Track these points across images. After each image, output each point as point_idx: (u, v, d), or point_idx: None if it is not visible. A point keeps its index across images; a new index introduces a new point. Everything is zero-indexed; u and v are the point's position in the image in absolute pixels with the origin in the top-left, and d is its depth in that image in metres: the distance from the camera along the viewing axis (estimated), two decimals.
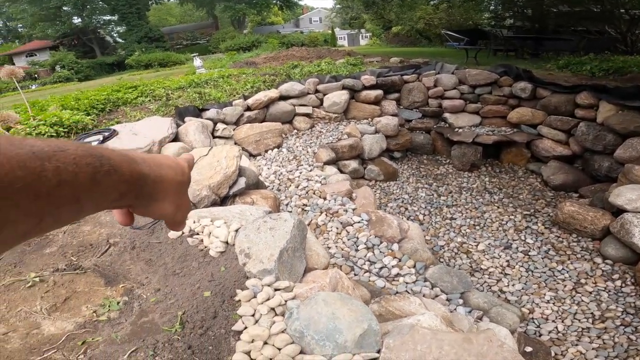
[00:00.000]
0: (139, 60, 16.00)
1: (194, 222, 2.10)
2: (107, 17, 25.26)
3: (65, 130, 3.55)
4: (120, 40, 26.03)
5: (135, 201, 0.38)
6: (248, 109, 4.84)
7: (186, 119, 4.03)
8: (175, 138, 3.53)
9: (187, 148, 3.24)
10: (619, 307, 2.82)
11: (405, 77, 5.77)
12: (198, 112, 4.40)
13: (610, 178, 4.16)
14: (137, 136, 3.31)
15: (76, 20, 23.83)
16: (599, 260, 3.32)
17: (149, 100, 4.77)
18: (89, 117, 3.98)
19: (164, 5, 32.93)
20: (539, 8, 9.59)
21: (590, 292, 3.01)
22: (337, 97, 5.28)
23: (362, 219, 2.92)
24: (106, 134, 3.41)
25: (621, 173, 3.75)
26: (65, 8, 22.56)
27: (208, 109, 4.44)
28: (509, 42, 8.77)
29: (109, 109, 4.54)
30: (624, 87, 4.24)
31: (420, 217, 4.26)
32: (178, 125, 3.72)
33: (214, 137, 4.24)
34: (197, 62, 7.90)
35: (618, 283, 3.05)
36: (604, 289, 3.03)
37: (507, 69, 5.54)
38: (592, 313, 2.80)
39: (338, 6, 22.76)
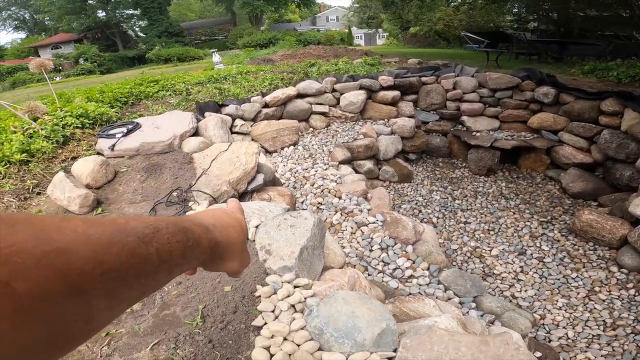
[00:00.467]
0: (159, 54, 16.30)
1: None
2: (130, 11, 25.79)
3: (91, 122, 3.66)
4: (141, 34, 26.53)
5: (209, 265, 0.43)
6: (266, 105, 4.89)
7: (206, 114, 4.11)
8: (196, 132, 3.60)
9: (207, 143, 3.30)
10: (631, 315, 2.81)
11: (423, 78, 5.73)
12: (218, 107, 4.47)
13: (631, 187, 4.06)
14: (159, 130, 3.39)
15: (100, 13, 24.42)
16: (614, 269, 3.29)
17: (170, 95, 4.87)
18: (113, 109, 4.09)
19: (185, 0, 33.38)
20: (565, 12, 9.37)
21: (604, 300, 2.99)
22: (354, 96, 5.28)
23: (377, 220, 2.94)
24: (130, 126, 3.50)
25: None
26: (90, 1, 23.15)
27: (227, 105, 4.50)
28: (532, 45, 8.58)
29: (132, 102, 4.66)
30: None
31: (434, 220, 4.24)
32: (198, 120, 3.80)
33: (232, 132, 4.31)
34: (216, 57, 8.01)
35: (632, 292, 3.03)
36: (617, 297, 3.01)
37: (530, 72, 5.43)
38: (603, 320, 2.79)
39: (356, 5, 22.65)
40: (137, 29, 28.20)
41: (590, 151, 4.68)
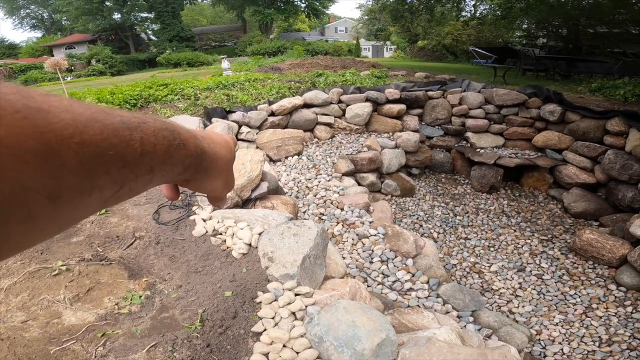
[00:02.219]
0: (169, 58, 16.56)
1: (218, 222, 2.18)
2: (144, 15, 26.27)
3: None
4: (153, 37, 26.97)
5: (193, 175, 0.41)
6: (272, 114, 4.95)
7: (213, 119, 4.17)
8: None
9: None
10: (627, 331, 2.82)
11: (429, 92, 5.78)
12: (225, 113, 4.54)
13: (633, 209, 4.07)
14: None
15: (116, 15, 24.89)
16: (612, 287, 3.32)
17: (178, 99, 4.95)
18: None
19: (197, 5, 33.98)
20: (574, 28, 9.43)
21: (600, 317, 3.01)
22: (359, 108, 5.34)
23: (379, 232, 2.96)
24: None
25: None
26: (107, 3, 23.62)
27: (234, 112, 4.57)
28: (540, 62, 8.63)
29: (141, 104, 4.74)
30: None
31: (435, 234, 4.25)
32: (205, 125, 3.86)
33: (238, 139, 4.37)
34: (225, 64, 8.11)
35: (629, 309, 3.06)
36: (614, 314, 3.03)
37: (537, 90, 5.46)
38: (599, 337, 2.80)
39: (365, 17, 22.97)
40: (149, 32, 28.70)
41: (593, 171, 4.67)
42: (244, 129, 4.48)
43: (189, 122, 3.72)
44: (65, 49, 25.15)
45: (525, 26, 12.09)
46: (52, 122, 0.22)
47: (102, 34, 25.14)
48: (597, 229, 3.98)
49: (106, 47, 21.56)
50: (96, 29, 24.65)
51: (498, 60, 8.33)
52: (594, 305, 3.14)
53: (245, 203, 2.77)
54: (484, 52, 8.95)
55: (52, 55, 20.24)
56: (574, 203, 4.51)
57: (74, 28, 26.83)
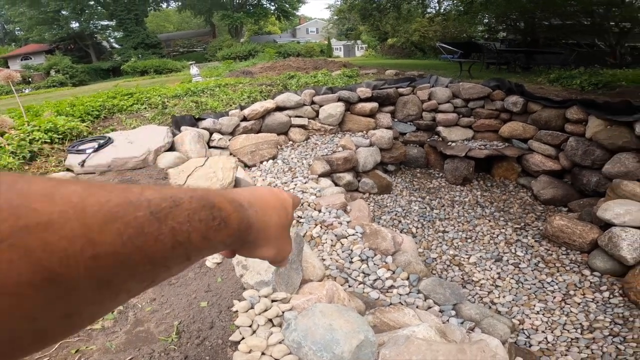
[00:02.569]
0: (134, 66, 16.03)
1: None
2: (105, 22, 25.33)
3: (60, 136, 3.54)
4: (117, 45, 26.07)
5: (238, 249, 0.37)
6: (244, 119, 4.87)
7: (182, 128, 4.05)
8: (171, 147, 3.54)
9: (183, 158, 3.25)
10: (607, 317, 2.88)
11: (400, 89, 5.86)
12: (194, 121, 4.42)
13: (598, 193, 4.23)
14: (132, 145, 3.31)
15: (74, 24, 23.85)
16: (587, 272, 3.40)
17: (145, 108, 4.78)
18: (84, 123, 3.97)
19: (163, 11, 33.14)
20: (530, 21, 9.83)
21: (579, 304, 3.07)
22: (332, 109, 5.34)
23: (357, 232, 2.95)
24: (101, 141, 3.40)
25: (609, 188, 3.84)
26: (63, 12, 22.59)
27: (204, 119, 4.46)
28: (501, 55, 8.96)
29: (104, 115, 4.53)
30: (612, 102, 4.31)
31: (414, 229, 4.30)
32: (174, 134, 3.73)
33: (210, 147, 4.26)
34: (194, 70, 7.93)
35: (606, 294, 3.13)
36: (592, 300, 3.09)
37: (500, 82, 5.65)
38: (580, 324, 2.86)
39: (335, 17, 23.17)
40: (112, 40, 27.69)
41: (558, 158, 4.87)
42: (216, 135, 4.37)
43: (157, 132, 3.59)
44: (21, 59, 23.86)
45: (486, 21, 12.53)
46: (51, 242, 0.18)
47: (59, 43, 24.00)
48: (567, 215, 4.10)
49: (65, 57, 20.60)
50: (53, 39, 23.52)
51: (463, 55, 8.58)
52: (572, 292, 3.20)
53: None
54: (450, 47, 9.21)
55: (8, 67, 19.16)
56: (543, 190, 4.69)
57: (28, 38, 25.49)
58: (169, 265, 0.26)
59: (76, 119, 4.00)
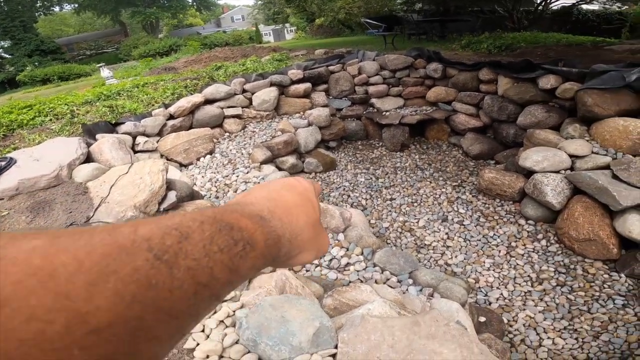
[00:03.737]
0: (33, 75, 14.08)
1: None
2: None
3: None
4: (6, 55, 22.66)
5: (273, 265, 0.31)
6: (171, 117, 4.52)
7: (98, 136, 3.63)
8: (88, 158, 3.15)
9: (103, 168, 2.91)
10: (550, 267, 2.98)
11: (330, 67, 5.85)
12: (111, 127, 3.99)
13: (517, 143, 4.58)
14: (39, 162, 2.89)
15: None
16: (522, 221, 3.51)
17: (50, 120, 4.20)
18: None
19: (56, 15, 29.38)
20: None
21: (522, 255, 3.14)
22: (265, 94, 5.17)
23: None
24: (2, 163, 2.93)
25: (525, 138, 4.19)
26: None
27: (123, 123, 4.05)
28: (419, 26, 9.33)
29: (3, 134, 3.92)
30: (515, 61, 4.71)
31: (363, 202, 4.38)
32: (89, 145, 3.33)
33: (136, 152, 3.89)
34: (105, 72, 7.16)
35: (543, 243, 3.23)
36: (532, 250, 3.17)
37: (420, 51, 5.89)
38: (529, 276, 2.92)
39: (260, 2, 22.33)
40: (0, 50, 24.00)
41: (479, 116, 5.24)
42: (140, 139, 4.00)
43: (67, 145, 3.16)
44: None
45: None
46: (11, 330, 0.12)
47: None
48: (495, 167, 4.31)
49: None
50: None
51: (387, 28, 8.79)
52: (513, 244, 3.27)
53: None
54: (374, 22, 9.36)
55: None
56: (471, 147, 5.03)
57: None
58: (197, 313, 0.21)
59: None
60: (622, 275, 2.81)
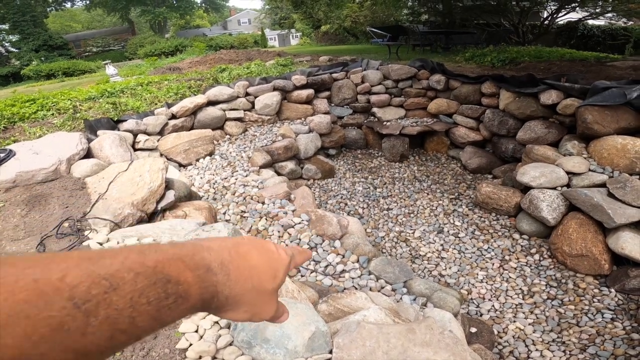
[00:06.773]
0: (38, 70, 14.11)
1: (118, 243, 1.90)
2: None
3: None
4: (13, 49, 22.76)
5: (202, 310, 0.31)
6: (173, 117, 4.53)
7: (99, 132, 3.64)
8: (88, 154, 3.15)
9: (102, 164, 2.91)
10: (542, 280, 3.01)
11: (334, 75, 5.90)
12: (113, 124, 4.00)
13: (516, 158, 4.61)
14: (39, 155, 2.89)
15: None
16: (517, 236, 3.54)
17: (52, 114, 4.21)
18: None
19: (66, 11, 29.58)
20: (448, 3, 10.45)
21: (515, 268, 3.17)
22: (268, 99, 5.20)
23: (303, 220, 2.91)
24: (1, 155, 2.93)
25: (524, 153, 4.22)
26: None
27: (125, 120, 4.06)
28: (424, 37, 9.42)
29: (4, 126, 3.93)
30: (518, 76, 4.76)
31: (360, 210, 4.38)
32: (90, 140, 3.34)
33: (136, 149, 3.90)
34: (111, 69, 7.18)
35: (537, 257, 3.28)
36: (525, 263, 3.21)
37: (424, 62, 5.95)
38: (520, 289, 2.96)
39: (267, 7, 22.55)
40: (7, 44, 24.07)
41: (479, 130, 5.28)
42: (141, 137, 4.01)
43: (67, 139, 3.17)
44: None
45: (410, 3, 13.05)
46: None
47: None
48: (492, 182, 4.36)
49: None
50: None
51: (392, 38, 8.88)
52: (507, 257, 3.30)
53: (152, 216, 2.47)
54: (379, 31, 9.47)
55: None
56: (470, 160, 5.06)
57: None
58: (111, 352, 0.21)
59: None
60: (612, 290, 2.85)
